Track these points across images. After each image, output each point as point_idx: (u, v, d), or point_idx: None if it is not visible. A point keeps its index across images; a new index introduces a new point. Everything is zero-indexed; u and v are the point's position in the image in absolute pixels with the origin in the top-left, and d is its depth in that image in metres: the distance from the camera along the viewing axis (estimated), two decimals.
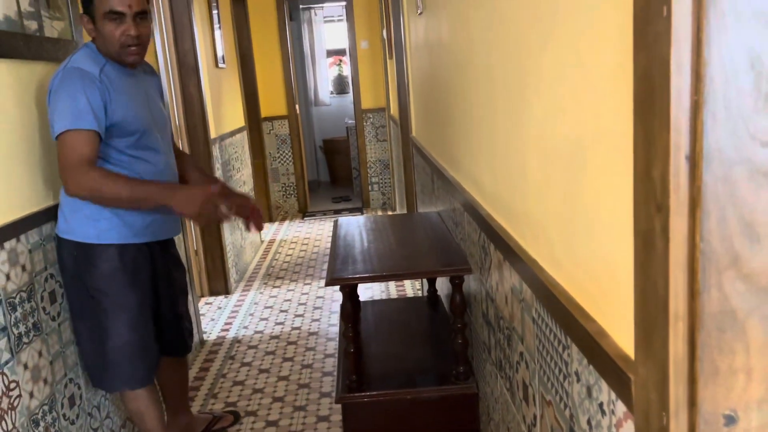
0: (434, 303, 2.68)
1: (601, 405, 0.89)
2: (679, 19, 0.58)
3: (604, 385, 0.87)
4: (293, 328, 3.71)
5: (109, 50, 1.90)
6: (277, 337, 3.60)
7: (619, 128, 0.77)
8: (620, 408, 0.81)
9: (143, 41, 1.94)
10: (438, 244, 2.17)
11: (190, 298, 2.60)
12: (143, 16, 1.92)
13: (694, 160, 0.60)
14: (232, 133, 4.79)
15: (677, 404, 0.65)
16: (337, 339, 3.48)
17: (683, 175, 0.61)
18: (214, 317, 3.96)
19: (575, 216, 0.97)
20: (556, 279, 1.09)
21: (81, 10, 1.96)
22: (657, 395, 0.68)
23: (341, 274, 1.95)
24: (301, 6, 8.02)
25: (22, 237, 1.81)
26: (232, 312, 4.04)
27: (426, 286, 3.30)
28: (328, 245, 5.43)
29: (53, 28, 2.09)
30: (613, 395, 0.83)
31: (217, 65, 4.49)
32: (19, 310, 1.77)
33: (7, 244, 1.73)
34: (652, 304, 0.68)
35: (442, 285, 2.78)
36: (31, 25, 1.98)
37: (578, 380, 0.99)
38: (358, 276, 1.94)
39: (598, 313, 0.91)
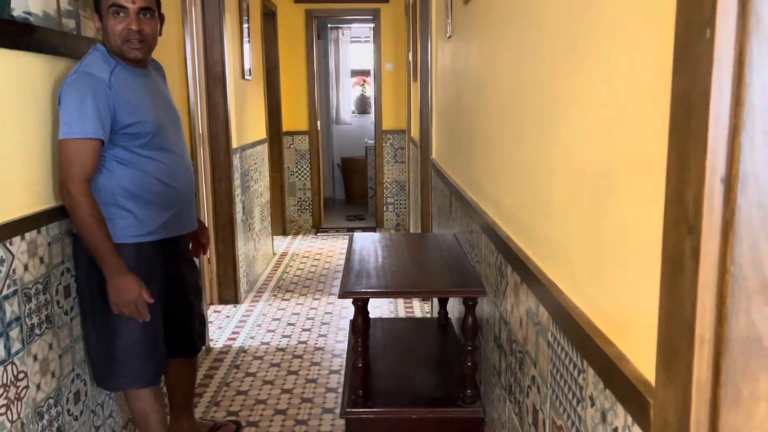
0: (444, 325, 2.66)
1: (615, 430, 0.88)
2: (722, 42, 0.58)
3: (621, 410, 0.86)
4: (300, 342, 3.70)
5: (113, 46, 1.93)
6: (283, 349, 3.59)
7: (650, 151, 0.77)
8: None
9: (146, 38, 1.96)
10: (453, 264, 2.17)
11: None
12: (148, 12, 1.95)
13: (730, 183, 0.60)
14: (253, 145, 4.84)
15: (698, 429, 0.65)
16: (343, 356, 3.46)
17: (717, 198, 0.61)
18: (222, 325, 3.96)
19: (599, 238, 0.97)
20: (575, 302, 1.09)
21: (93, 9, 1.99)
22: (677, 419, 0.67)
23: (355, 287, 1.95)
24: (329, 25, 8.14)
25: (43, 229, 1.83)
26: (240, 321, 4.04)
27: (435, 310, 3.29)
28: (340, 262, 5.43)
29: (91, 28, 2.14)
30: (630, 420, 0.82)
31: (243, 77, 4.55)
32: (34, 301, 1.78)
33: (28, 235, 1.75)
34: (677, 326, 0.68)
35: (453, 308, 2.77)
36: (69, 23, 2.03)
37: (592, 405, 0.98)
38: (371, 290, 1.94)
39: (618, 337, 0.90)
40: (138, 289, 1.92)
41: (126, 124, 1.91)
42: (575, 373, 1.06)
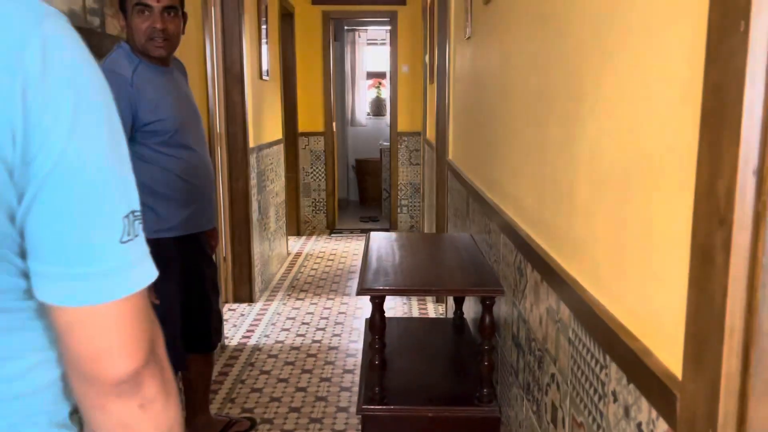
0: (460, 326, 2.66)
1: (639, 425, 0.88)
2: (757, 34, 0.59)
3: (645, 404, 0.86)
4: (314, 341, 3.71)
5: (137, 44, 1.96)
6: (297, 348, 3.61)
7: (680, 144, 0.78)
8: (661, 427, 0.81)
9: (170, 36, 1.99)
10: (470, 264, 2.17)
11: None
12: (172, 11, 1.97)
13: (762, 175, 0.60)
14: (270, 145, 4.86)
15: (726, 420, 0.65)
16: (357, 356, 3.46)
17: (750, 190, 0.61)
18: (237, 323, 3.98)
19: (624, 234, 0.97)
20: (598, 299, 1.09)
21: (118, 7, 2.02)
22: (705, 411, 0.68)
23: (373, 284, 1.95)
24: (346, 27, 8.17)
25: None
26: (255, 320, 4.06)
27: (449, 311, 3.29)
28: (353, 263, 5.44)
29: (114, 26, 2.17)
30: (654, 414, 0.83)
31: (261, 77, 4.58)
32: None
33: None
34: (706, 318, 0.68)
35: (469, 309, 2.77)
36: (94, 21, 2.06)
37: (615, 400, 0.98)
38: (389, 288, 1.95)
39: (642, 332, 0.90)
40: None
41: (147, 122, 1.93)
42: (597, 370, 1.06)
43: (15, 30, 0.56)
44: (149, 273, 0.64)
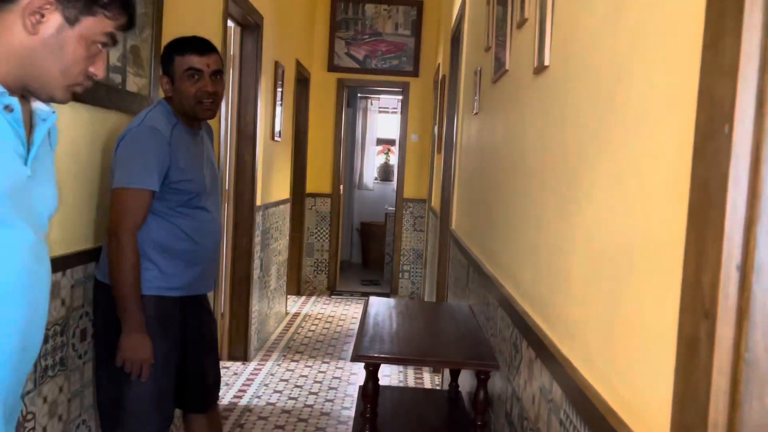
0: (455, 398, 2.63)
1: None
2: (740, 138, 0.62)
3: None
4: (306, 405, 3.65)
5: (185, 107, 2.02)
6: (288, 411, 3.54)
7: (669, 237, 0.80)
8: None
9: (218, 98, 2.06)
10: (467, 336, 2.16)
11: None
12: (219, 74, 2.05)
13: (745, 271, 0.62)
14: (276, 204, 4.92)
15: None
16: (349, 423, 3.40)
17: (733, 285, 0.63)
18: (229, 382, 3.92)
19: (616, 318, 0.98)
20: (589, 380, 1.09)
21: (161, 71, 2.10)
22: None
23: (368, 351, 1.95)
24: (359, 94, 8.39)
25: (68, 272, 1.87)
26: (248, 379, 4.01)
27: (445, 382, 3.24)
28: (351, 326, 5.40)
29: (134, 84, 2.25)
30: None
31: (273, 138, 4.69)
32: (51, 342, 1.80)
33: (53, 276, 1.79)
34: (691, 411, 0.68)
35: (464, 381, 2.73)
36: (116, 79, 2.13)
37: None
38: (384, 356, 1.94)
39: (631, 418, 0.90)
40: (150, 351, 1.94)
41: (175, 181, 1.97)
42: None
43: None
44: None
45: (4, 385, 1.10)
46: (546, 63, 1.48)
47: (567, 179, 1.30)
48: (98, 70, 1.17)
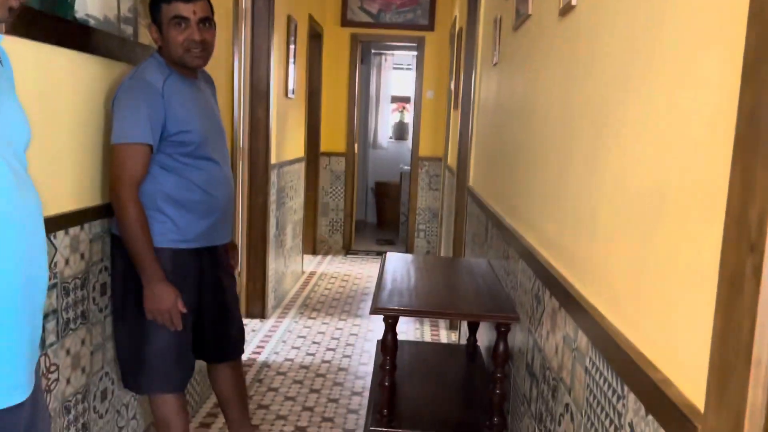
0: (473, 352, 2.63)
1: None
2: None
3: None
4: (324, 361, 3.68)
5: (173, 56, 1.98)
6: (306, 367, 3.58)
7: (710, 170, 0.76)
8: None
9: (207, 46, 2.01)
10: (487, 289, 2.15)
11: None
12: (207, 22, 2.00)
13: None
14: (291, 162, 4.89)
15: None
16: (366, 378, 3.43)
17: None
18: (247, 339, 3.96)
19: (647, 261, 0.95)
20: (617, 327, 1.06)
21: (150, 20, 2.04)
22: None
23: (387, 304, 1.94)
24: (373, 51, 8.25)
25: (86, 226, 1.87)
26: (266, 336, 4.05)
27: (463, 338, 3.24)
28: (367, 284, 5.42)
29: (146, 35, 2.20)
30: None
31: (286, 95, 4.63)
32: (72, 296, 1.81)
33: (72, 230, 1.79)
34: (732, 348, 0.65)
35: (482, 336, 2.73)
36: (127, 30, 2.09)
37: None
38: (403, 308, 1.93)
39: (663, 362, 0.88)
40: (174, 298, 1.94)
41: (173, 132, 1.95)
42: (614, 400, 1.03)
43: None
44: None
45: (18, 311, 1.08)
46: (573, 2, 1.42)
47: (595, 125, 1.25)
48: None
